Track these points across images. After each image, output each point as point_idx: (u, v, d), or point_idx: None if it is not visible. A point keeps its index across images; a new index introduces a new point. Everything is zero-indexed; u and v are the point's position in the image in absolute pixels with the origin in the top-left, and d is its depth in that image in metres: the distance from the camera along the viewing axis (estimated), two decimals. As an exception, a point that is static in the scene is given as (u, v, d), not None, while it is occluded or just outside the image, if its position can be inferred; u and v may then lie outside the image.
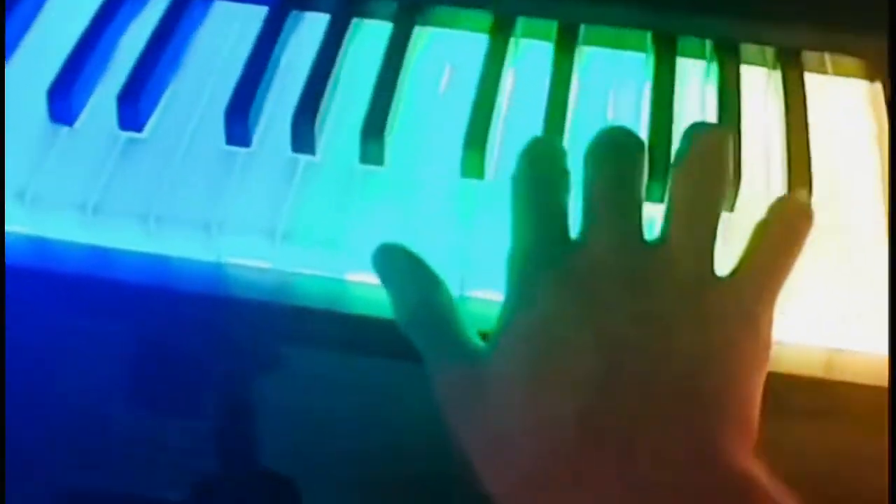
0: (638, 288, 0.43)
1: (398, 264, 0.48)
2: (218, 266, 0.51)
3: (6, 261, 0.50)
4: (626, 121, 0.55)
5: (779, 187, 0.53)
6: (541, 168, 0.48)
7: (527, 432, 0.41)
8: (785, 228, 0.47)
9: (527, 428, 0.41)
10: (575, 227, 0.46)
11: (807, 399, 0.50)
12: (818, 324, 0.50)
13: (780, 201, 0.48)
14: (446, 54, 0.59)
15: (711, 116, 0.56)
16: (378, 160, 0.53)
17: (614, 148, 0.47)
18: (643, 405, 0.41)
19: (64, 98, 0.53)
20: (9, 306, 0.49)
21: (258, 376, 0.55)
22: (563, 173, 0.48)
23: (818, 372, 0.50)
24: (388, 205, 0.52)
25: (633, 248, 0.45)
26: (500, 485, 0.42)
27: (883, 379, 0.49)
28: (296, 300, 0.50)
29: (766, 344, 0.44)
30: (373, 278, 0.49)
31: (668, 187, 0.47)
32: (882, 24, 0.56)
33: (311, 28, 0.58)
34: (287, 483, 0.60)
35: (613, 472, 0.40)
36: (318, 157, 0.53)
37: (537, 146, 0.49)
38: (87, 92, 0.55)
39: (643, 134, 0.52)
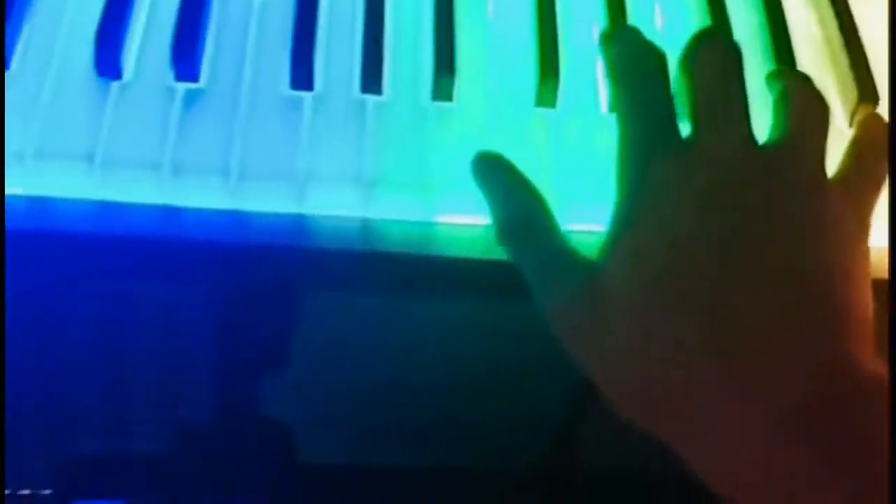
0: (761, 190, 0.43)
1: (499, 174, 0.47)
2: (301, 218, 0.49)
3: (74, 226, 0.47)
4: (675, 24, 0.55)
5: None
6: (637, 52, 0.47)
7: (653, 353, 0.41)
8: (877, 145, 0.48)
9: (652, 348, 0.41)
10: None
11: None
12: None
13: (872, 118, 0.50)
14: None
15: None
16: (448, 95, 0.51)
17: (716, 50, 0.46)
18: (773, 315, 0.41)
19: (111, 50, 0.50)
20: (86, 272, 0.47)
21: (348, 327, 0.53)
22: (661, 57, 0.46)
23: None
24: (464, 141, 0.50)
25: (752, 151, 0.44)
26: (627, 409, 0.42)
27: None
28: (386, 247, 0.49)
29: (868, 239, 0.45)
30: (462, 219, 0.48)
31: (778, 92, 0.47)
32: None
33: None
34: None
35: (749, 390, 0.39)
36: (384, 97, 0.51)
37: (622, 33, 0.48)
38: (124, 43, 0.51)
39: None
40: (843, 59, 0.54)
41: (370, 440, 0.62)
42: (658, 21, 0.57)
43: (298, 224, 0.49)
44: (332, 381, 0.56)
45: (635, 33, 0.48)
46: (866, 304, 0.43)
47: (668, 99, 0.45)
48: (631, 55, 0.47)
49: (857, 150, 0.47)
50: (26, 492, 0.69)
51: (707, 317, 0.41)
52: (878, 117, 0.49)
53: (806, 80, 0.48)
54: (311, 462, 0.61)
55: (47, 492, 0.68)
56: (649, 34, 0.48)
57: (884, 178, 0.47)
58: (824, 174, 0.45)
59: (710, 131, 0.45)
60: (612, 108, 0.51)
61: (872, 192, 0.46)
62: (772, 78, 0.49)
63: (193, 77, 0.50)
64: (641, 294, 0.42)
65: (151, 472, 0.62)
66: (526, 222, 0.46)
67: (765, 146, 0.45)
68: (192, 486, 0.62)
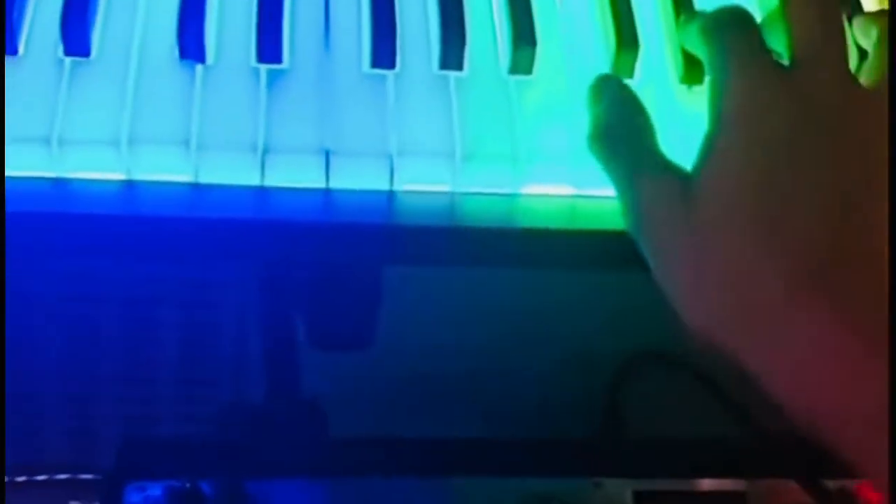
0: (856, 122, 0.44)
1: (606, 85, 0.49)
2: (392, 194, 0.49)
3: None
4: None
5: None
6: (725, 12, 0.48)
7: (732, 266, 0.42)
8: None
9: (733, 261, 0.42)
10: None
11: None
12: None
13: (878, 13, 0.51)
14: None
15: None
16: (529, 68, 0.52)
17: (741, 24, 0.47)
18: (851, 242, 0.42)
19: (194, 34, 0.50)
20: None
21: (439, 302, 0.54)
22: (748, 13, 0.48)
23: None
24: (546, 112, 0.51)
25: (850, 87, 0.45)
26: (698, 316, 0.43)
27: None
28: (475, 222, 0.49)
29: None
30: (550, 189, 0.49)
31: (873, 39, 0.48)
32: None
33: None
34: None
35: (826, 315, 0.41)
36: (465, 73, 0.52)
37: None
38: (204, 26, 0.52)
39: None
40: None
41: (426, 411, 0.62)
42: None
43: (388, 202, 0.49)
44: (413, 354, 0.57)
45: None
46: None
47: (759, 34, 0.47)
48: (720, 16, 0.48)
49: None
50: (88, 476, 0.69)
51: (793, 236, 0.42)
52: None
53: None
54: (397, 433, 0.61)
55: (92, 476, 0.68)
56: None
57: None
58: None
59: (810, 66, 0.46)
60: (688, 80, 0.51)
61: None
62: (864, 22, 0.50)
63: (277, 58, 0.51)
64: (736, 198, 0.43)
65: (201, 453, 0.63)
66: (623, 121, 0.48)
67: (862, 85, 0.46)
68: (246, 463, 0.63)
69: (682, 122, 0.51)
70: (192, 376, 0.69)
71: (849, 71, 0.46)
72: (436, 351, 0.60)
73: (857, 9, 0.54)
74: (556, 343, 0.62)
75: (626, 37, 0.52)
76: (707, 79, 0.47)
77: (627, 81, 0.52)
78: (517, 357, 0.63)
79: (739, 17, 0.47)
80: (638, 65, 0.53)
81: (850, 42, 0.48)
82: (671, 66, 0.54)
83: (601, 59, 0.53)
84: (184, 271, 0.57)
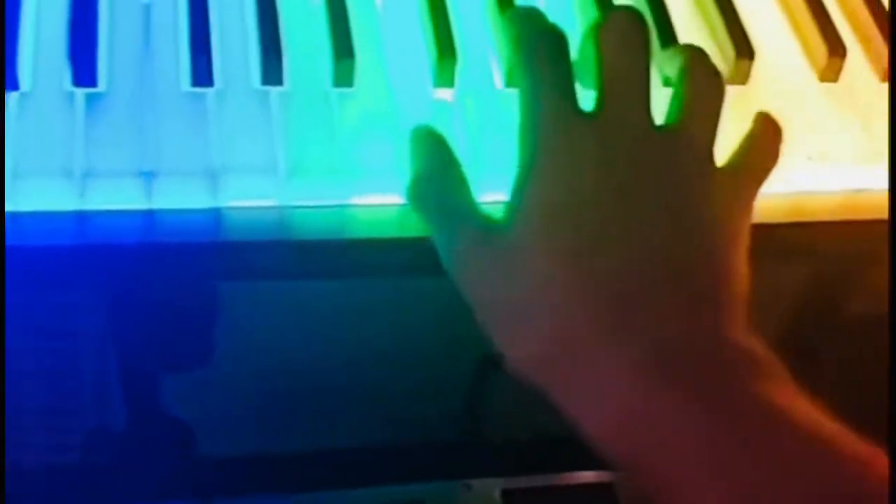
0: (655, 167, 0.46)
1: (418, 135, 0.49)
2: (218, 211, 0.49)
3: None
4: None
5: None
6: (541, 28, 0.49)
7: (544, 302, 0.43)
8: (769, 140, 0.50)
9: (544, 298, 0.43)
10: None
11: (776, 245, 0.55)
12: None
13: (764, 116, 0.51)
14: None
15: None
16: (349, 81, 0.52)
17: (623, 27, 0.48)
18: (661, 273, 0.44)
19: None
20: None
21: (267, 317, 0.54)
22: (563, 35, 0.48)
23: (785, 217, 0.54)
24: (370, 125, 0.52)
25: (648, 131, 0.47)
26: (516, 352, 0.44)
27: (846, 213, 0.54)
28: (304, 234, 0.49)
29: (750, 221, 0.48)
30: (377, 199, 0.50)
31: (677, 71, 0.49)
32: None
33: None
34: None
35: (629, 335, 0.42)
36: (286, 87, 0.52)
37: (525, 12, 0.50)
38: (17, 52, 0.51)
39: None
40: (718, 18, 0.57)
41: (287, 427, 0.62)
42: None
43: (214, 219, 0.49)
44: (261, 370, 0.57)
45: (538, 12, 0.50)
46: (743, 279, 0.46)
47: (570, 72, 0.48)
48: (534, 32, 0.49)
49: (749, 144, 0.50)
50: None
51: (601, 270, 0.43)
52: (771, 119, 0.51)
53: (702, 57, 0.50)
54: (237, 455, 0.61)
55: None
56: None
57: (769, 173, 0.50)
58: (711, 159, 0.48)
59: (613, 101, 0.47)
60: (512, 83, 0.52)
61: (758, 182, 0.49)
62: (671, 55, 0.51)
63: (92, 82, 0.50)
64: (546, 242, 0.44)
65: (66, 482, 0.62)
66: (436, 175, 0.48)
67: (660, 127, 0.48)
68: (104, 490, 0.61)
69: (508, 128, 0.52)
70: (54, 405, 0.67)
71: (649, 110, 0.47)
72: (295, 366, 0.60)
73: (671, 40, 0.56)
74: (412, 349, 0.62)
75: (444, 46, 0.53)
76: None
77: (448, 90, 0.53)
78: (376, 367, 0.63)
79: (554, 48, 0.48)
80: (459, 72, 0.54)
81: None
82: (495, 72, 0.55)
83: (423, 68, 0.54)
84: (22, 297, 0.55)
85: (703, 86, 0.49)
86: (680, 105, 0.48)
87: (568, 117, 0.46)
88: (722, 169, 0.48)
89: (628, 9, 0.49)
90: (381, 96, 0.53)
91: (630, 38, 0.48)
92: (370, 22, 0.55)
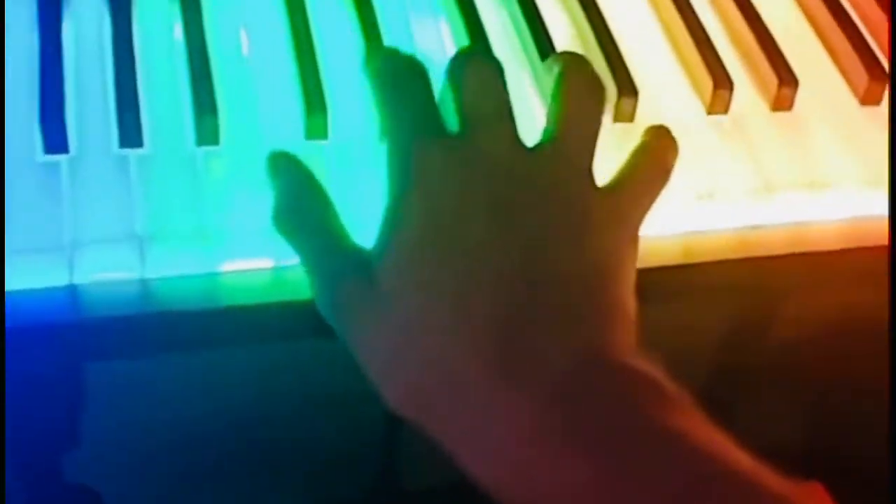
0: (527, 191, 0.44)
1: (279, 164, 0.47)
2: (74, 289, 0.46)
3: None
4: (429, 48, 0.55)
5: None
6: (400, 60, 0.47)
7: (427, 341, 0.41)
8: (659, 154, 0.49)
9: (427, 336, 0.41)
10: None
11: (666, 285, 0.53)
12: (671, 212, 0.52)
13: (655, 129, 0.50)
14: (237, 17, 0.55)
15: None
16: (214, 138, 0.49)
17: (478, 66, 0.47)
18: (532, 309, 0.41)
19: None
20: None
21: (137, 394, 0.50)
22: (422, 67, 0.47)
23: (676, 259, 0.53)
24: (239, 183, 0.49)
25: (518, 151, 0.45)
26: (394, 394, 0.42)
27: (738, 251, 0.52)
28: (171, 305, 0.46)
29: (637, 246, 0.46)
30: (250, 264, 0.47)
31: (553, 85, 0.47)
32: None
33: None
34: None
35: (516, 380, 0.40)
36: (147, 150, 0.49)
37: (384, 50, 0.49)
38: None
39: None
40: (599, 56, 0.55)
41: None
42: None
43: (71, 297, 0.46)
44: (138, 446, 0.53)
45: (395, 50, 0.49)
46: (628, 302, 0.44)
47: (433, 101, 0.46)
48: (394, 66, 0.47)
49: (637, 161, 0.48)
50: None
51: (477, 306, 0.41)
52: (663, 131, 0.49)
53: (579, 65, 0.48)
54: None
55: None
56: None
57: (658, 191, 0.47)
58: (589, 176, 0.45)
59: (477, 130, 0.45)
60: (380, 123, 0.50)
61: (646, 202, 0.47)
62: (549, 64, 0.49)
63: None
64: (417, 280, 0.42)
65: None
66: (301, 206, 0.46)
67: (533, 147, 0.46)
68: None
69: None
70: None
71: (514, 130, 0.45)
72: (198, 439, 0.57)
73: (549, 49, 0.55)
74: (322, 407, 0.60)
75: (314, 100, 0.50)
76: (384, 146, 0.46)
77: (321, 143, 0.50)
78: (280, 431, 0.60)
79: (413, 79, 0.46)
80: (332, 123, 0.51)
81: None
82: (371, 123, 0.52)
83: (295, 122, 0.51)
84: None
85: (578, 96, 0.47)
86: (555, 118, 0.46)
87: (430, 147, 0.44)
88: (604, 188, 0.46)
89: (478, 48, 0.50)
90: (250, 154, 0.50)
91: (486, 73, 0.47)
92: (236, 72, 0.53)
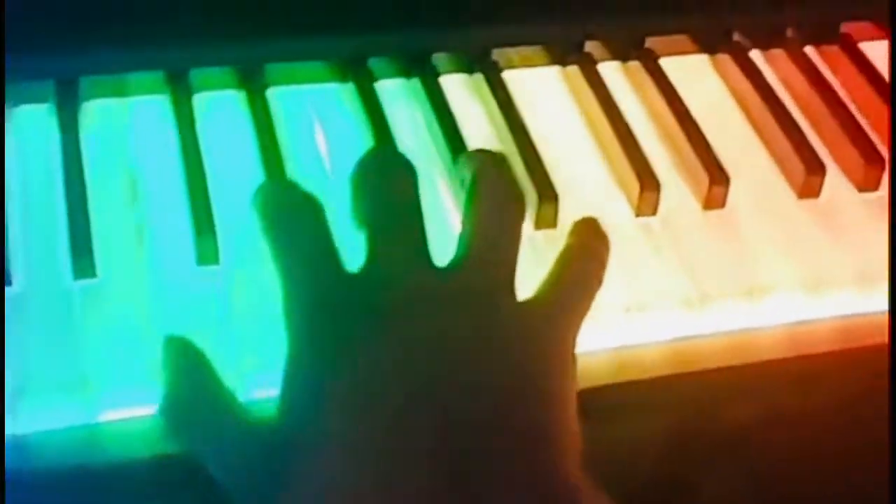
0: (437, 319, 0.39)
1: (168, 354, 0.41)
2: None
3: None
4: (342, 153, 0.52)
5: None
6: (287, 202, 0.43)
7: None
8: (587, 254, 0.44)
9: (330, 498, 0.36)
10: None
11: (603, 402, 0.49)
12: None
13: (580, 225, 0.46)
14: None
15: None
16: (91, 272, 0.45)
17: (388, 169, 0.43)
18: (457, 444, 0.37)
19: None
20: None
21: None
22: (312, 200, 0.42)
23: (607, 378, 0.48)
24: (121, 330, 0.45)
25: (425, 273, 0.41)
26: None
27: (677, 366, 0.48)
28: (44, 462, 0.42)
29: (574, 359, 0.42)
30: (130, 412, 0.43)
31: (462, 211, 0.44)
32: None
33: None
34: None
35: None
36: (16, 287, 0.45)
37: (270, 187, 0.44)
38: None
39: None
40: (518, 158, 0.52)
41: None
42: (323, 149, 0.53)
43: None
44: None
45: (287, 183, 0.45)
46: (569, 418, 0.40)
47: (325, 236, 0.41)
48: (281, 203, 0.43)
49: (563, 266, 0.43)
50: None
51: (399, 465, 0.36)
52: (591, 227, 0.45)
53: (496, 170, 0.44)
54: None
55: None
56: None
57: (592, 295, 0.43)
58: (509, 289, 0.41)
59: (380, 257, 0.41)
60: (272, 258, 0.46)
61: (579, 310, 0.42)
62: (464, 162, 0.46)
63: None
64: (325, 444, 0.37)
65: None
66: (190, 398, 0.40)
67: (445, 268, 0.42)
68: None
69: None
70: None
71: (426, 255, 0.41)
72: None
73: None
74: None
75: (201, 222, 0.46)
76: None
77: (212, 268, 0.46)
78: None
79: (302, 214, 0.42)
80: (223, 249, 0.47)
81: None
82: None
83: (188, 256, 0.47)
84: None
85: (494, 203, 0.43)
86: (469, 230, 0.42)
87: (327, 282, 0.40)
88: (528, 302, 0.41)
89: (388, 148, 0.46)
90: (136, 296, 0.46)
91: (396, 177, 0.43)
92: (120, 208, 0.49)
